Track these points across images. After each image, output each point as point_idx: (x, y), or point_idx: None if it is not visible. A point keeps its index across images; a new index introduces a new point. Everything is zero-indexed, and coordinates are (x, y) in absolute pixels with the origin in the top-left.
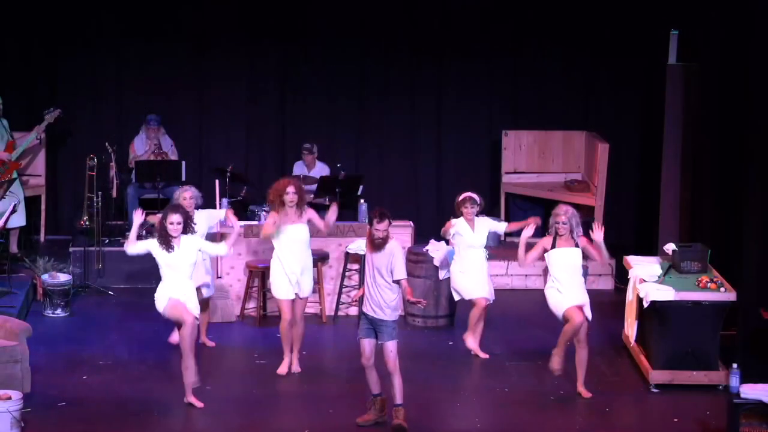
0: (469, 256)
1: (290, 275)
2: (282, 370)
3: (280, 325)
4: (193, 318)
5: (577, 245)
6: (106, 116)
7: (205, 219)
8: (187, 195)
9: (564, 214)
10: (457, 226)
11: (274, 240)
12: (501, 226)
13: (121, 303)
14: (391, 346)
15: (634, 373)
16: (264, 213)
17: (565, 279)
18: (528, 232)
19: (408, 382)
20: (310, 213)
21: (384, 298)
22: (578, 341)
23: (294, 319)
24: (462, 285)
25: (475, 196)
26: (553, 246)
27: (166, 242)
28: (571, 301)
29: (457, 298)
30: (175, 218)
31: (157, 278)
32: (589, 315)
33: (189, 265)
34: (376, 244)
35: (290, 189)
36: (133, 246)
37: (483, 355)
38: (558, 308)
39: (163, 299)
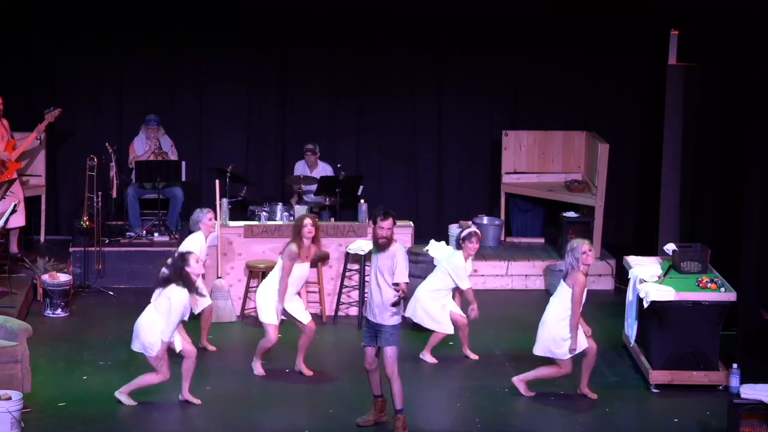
0: (451, 293)
1: (292, 306)
2: (259, 372)
3: (263, 344)
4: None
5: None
6: (106, 116)
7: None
8: (211, 215)
9: (586, 244)
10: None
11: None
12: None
13: (121, 303)
14: (389, 352)
15: (634, 373)
16: (264, 213)
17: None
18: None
19: (408, 383)
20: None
21: (384, 300)
22: (591, 348)
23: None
24: (440, 316)
25: (479, 232)
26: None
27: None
28: (581, 346)
29: (417, 320)
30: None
31: None
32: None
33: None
34: (380, 244)
35: (308, 222)
36: None
37: (474, 357)
38: (565, 348)
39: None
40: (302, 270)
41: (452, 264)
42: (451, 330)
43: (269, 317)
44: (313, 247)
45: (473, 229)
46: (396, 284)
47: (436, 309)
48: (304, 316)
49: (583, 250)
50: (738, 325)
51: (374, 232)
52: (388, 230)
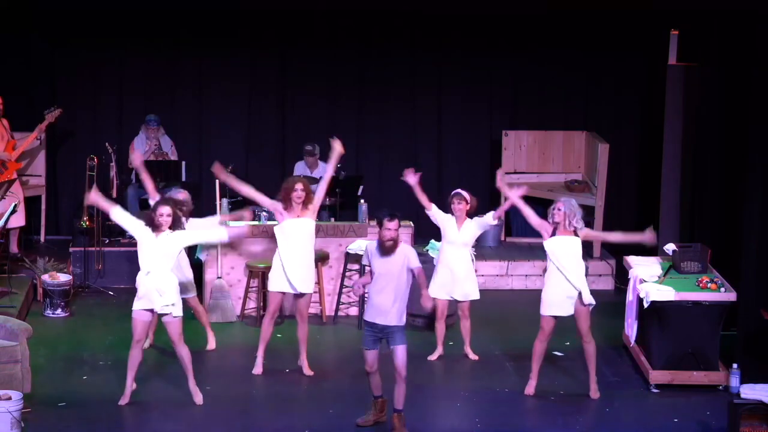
0: (449, 253)
1: (289, 269)
2: (257, 370)
3: (264, 319)
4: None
5: (576, 235)
6: (106, 116)
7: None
8: (184, 195)
9: (560, 202)
10: (443, 219)
11: (278, 234)
12: (487, 217)
13: (120, 303)
14: (401, 351)
15: (634, 374)
16: (264, 214)
17: (569, 267)
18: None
19: (409, 382)
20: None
21: (402, 299)
22: (582, 336)
23: (301, 317)
24: (466, 278)
25: (463, 192)
26: (553, 234)
27: (155, 228)
28: (555, 310)
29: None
30: (164, 210)
31: None
32: (590, 300)
33: (170, 257)
34: (387, 247)
35: (298, 186)
36: (120, 213)
37: (473, 357)
38: (543, 305)
39: (138, 300)
40: (296, 226)
41: (444, 225)
42: (476, 294)
43: (272, 284)
44: (306, 210)
45: (457, 190)
46: (412, 270)
47: (464, 272)
48: (272, 284)
49: (553, 206)
50: (738, 325)
51: (380, 234)
52: (395, 231)
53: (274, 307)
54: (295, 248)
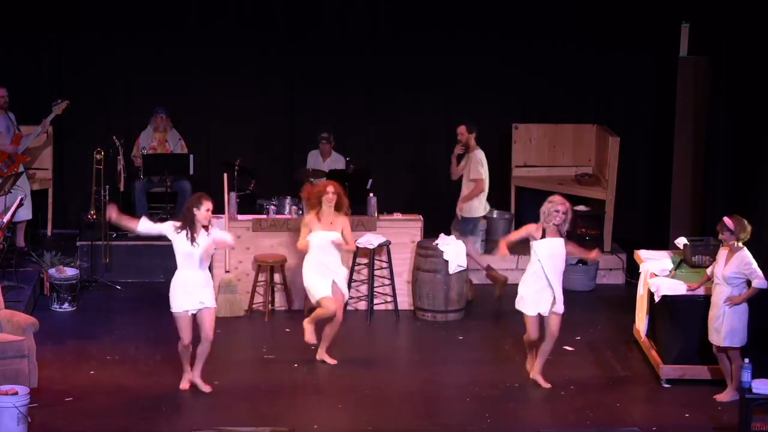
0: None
1: (322, 276)
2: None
3: (320, 312)
4: (209, 336)
5: (561, 236)
6: (113, 109)
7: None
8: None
9: (562, 204)
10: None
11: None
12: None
13: (128, 297)
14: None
15: (645, 368)
16: (273, 207)
17: (549, 270)
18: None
19: (417, 377)
20: (344, 224)
21: None
22: (549, 334)
23: (337, 316)
24: None
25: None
26: (543, 236)
27: (193, 231)
28: (535, 309)
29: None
30: (210, 205)
31: (166, 272)
32: (560, 309)
33: (207, 255)
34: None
35: (330, 189)
36: (147, 224)
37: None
38: (522, 308)
39: (176, 298)
40: (320, 238)
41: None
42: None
43: (318, 292)
44: (339, 216)
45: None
46: None
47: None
48: (320, 292)
49: (552, 207)
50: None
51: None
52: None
53: (333, 307)
54: (322, 259)
